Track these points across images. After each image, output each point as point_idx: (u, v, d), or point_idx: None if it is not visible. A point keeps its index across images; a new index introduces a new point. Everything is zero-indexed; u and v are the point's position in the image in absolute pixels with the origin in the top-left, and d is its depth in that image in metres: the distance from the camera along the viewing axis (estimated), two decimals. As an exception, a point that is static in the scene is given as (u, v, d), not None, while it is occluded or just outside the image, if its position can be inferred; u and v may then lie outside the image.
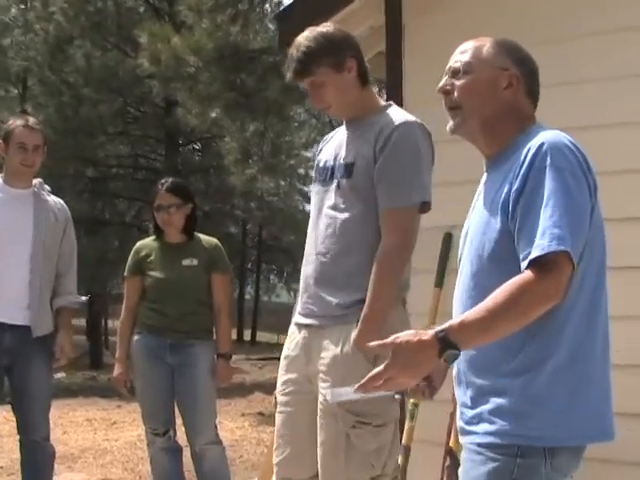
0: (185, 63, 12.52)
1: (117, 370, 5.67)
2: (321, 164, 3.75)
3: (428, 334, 2.32)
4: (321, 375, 3.53)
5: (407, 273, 3.67)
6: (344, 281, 3.54)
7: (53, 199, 5.38)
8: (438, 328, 2.33)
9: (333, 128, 3.90)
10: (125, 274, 5.80)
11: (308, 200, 4.00)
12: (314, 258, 3.64)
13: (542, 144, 2.43)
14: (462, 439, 2.59)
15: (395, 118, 3.57)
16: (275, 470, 3.80)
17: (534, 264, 2.32)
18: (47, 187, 5.41)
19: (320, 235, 3.63)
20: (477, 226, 2.57)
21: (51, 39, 20.60)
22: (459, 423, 2.60)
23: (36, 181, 5.32)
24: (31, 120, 5.32)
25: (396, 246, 3.48)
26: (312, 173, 3.87)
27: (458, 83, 2.62)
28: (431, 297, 5.26)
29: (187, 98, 13.32)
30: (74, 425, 11.43)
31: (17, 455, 5.41)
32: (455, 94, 2.63)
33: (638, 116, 4.66)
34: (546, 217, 2.34)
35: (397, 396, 2.57)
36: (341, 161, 3.62)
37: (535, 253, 2.32)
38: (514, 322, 2.34)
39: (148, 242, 5.76)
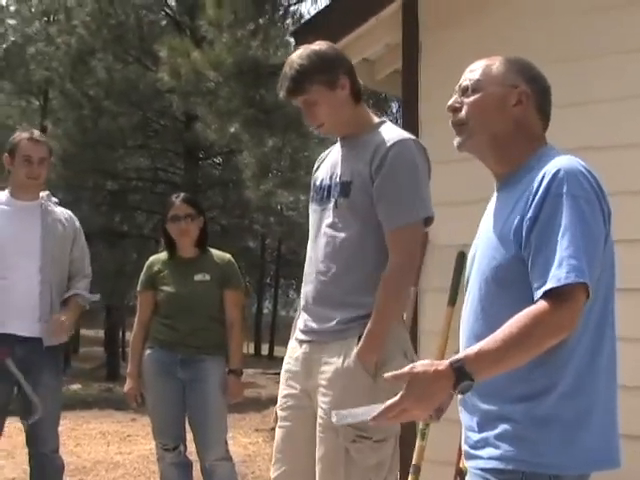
0: (205, 78, 12.56)
1: (128, 385, 5.67)
2: (317, 183, 3.75)
3: (444, 364, 2.31)
4: (321, 389, 3.52)
5: (410, 290, 3.70)
6: (344, 299, 3.55)
7: (61, 210, 5.40)
8: (453, 359, 2.32)
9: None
10: (138, 289, 5.80)
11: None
12: (314, 277, 3.65)
13: (558, 170, 2.40)
14: (467, 463, 2.57)
15: (390, 136, 3.56)
16: None
17: (549, 295, 2.31)
18: (54, 199, 5.42)
19: (319, 254, 3.64)
20: (486, 250, 2.55)
21: (73, 52, 20.68)
22: (464, 447, 2.59)
23: (43, 193, 5.34)
24: (36, 133, 5.33)
25: (403, 265, 3.51)
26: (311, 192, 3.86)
27: (467, 100, 2.62)
28: (444, 315, 5.26)
29: (207, 113, 13.35)
30: (87, 438, 11.44)
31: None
32: (463, 111, 2.62)
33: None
34: (563, 247, 2.32)
35: None
36: (337, 180, 3.62)
37: (552, 284, 2.30)
38: (528, 352, 2.32)
39: (161, 257, 5.76)
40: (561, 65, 4.87)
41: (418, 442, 5.05)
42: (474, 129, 2.61)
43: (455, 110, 2.65)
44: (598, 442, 2.43)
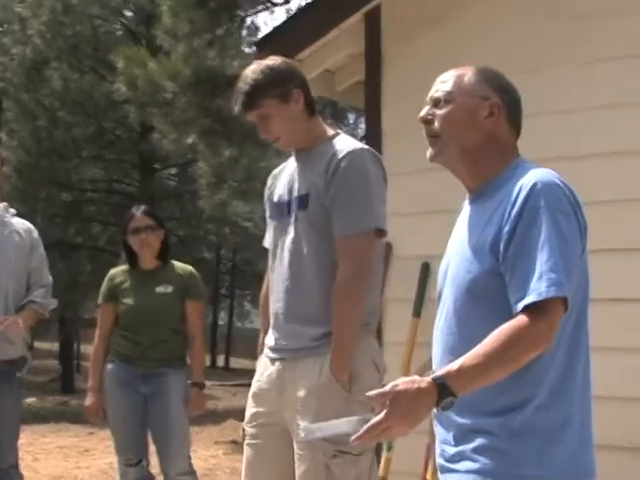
0: (161, 88, 12.46)
1: (89, 399, 5.58)
2: (275, 199, 3.72)
3: (426, 381, 2.28)
4: (297, 407, 3.49)
5: (374, 300, 3.64)
6: (314, 314, 3.53)
7: (18, 221, 5.34)
8: (435, 375, 2.29)
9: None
10: (99, 301, 5.73)
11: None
12: (282, 295, 3.63)
13: (535, 184, 2.39)
14: (442, 477, 2.55)
15: (343, 146, 3.56)
16: None
17: (529, 308, 2.30)
18: (12, 210, 5.36)
19: (285, 271, 3.61)
20: (461, 263, 2.52)
21: (27, 62, 20.56)
22: (439, 460, 2.57)
23: (0, 205, 5.26)
24: None
25: (351, 275, 3.46)
26: (266, 210, 3.85)
27: (439, 112, 2.59)
28: (408, 326, 5.25)
29: (163, 123, 13.24)
30: (45, 452, 11.31)
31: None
32: (436, 123, 2.60)
33: (615, 146, 4.69)
34: (542, 261, 2.31)
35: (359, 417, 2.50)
36: (296, 194, 3.61)
37: (532, 298, 2.29)
38: (509, 367, 2.31)
39: (122, 269, 5.70)
40: (526, 75, 4.89)
41: (384, 454, 5.04)
42: (446, 141, 2.59)
43: (427, 122, 2.63)
44: (574, 453, 2.43)
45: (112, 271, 5.77)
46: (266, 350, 3.74)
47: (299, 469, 3.48)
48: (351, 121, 14.57)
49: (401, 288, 5.34)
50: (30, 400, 19.65)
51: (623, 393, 4.60)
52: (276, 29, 6.25)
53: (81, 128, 20.59)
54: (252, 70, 3.61)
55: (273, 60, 3.68)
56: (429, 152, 2.63)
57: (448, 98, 2.59)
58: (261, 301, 3.93)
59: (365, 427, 2.31)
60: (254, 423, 3.70)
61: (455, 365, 2.30)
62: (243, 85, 3.58)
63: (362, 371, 3.47)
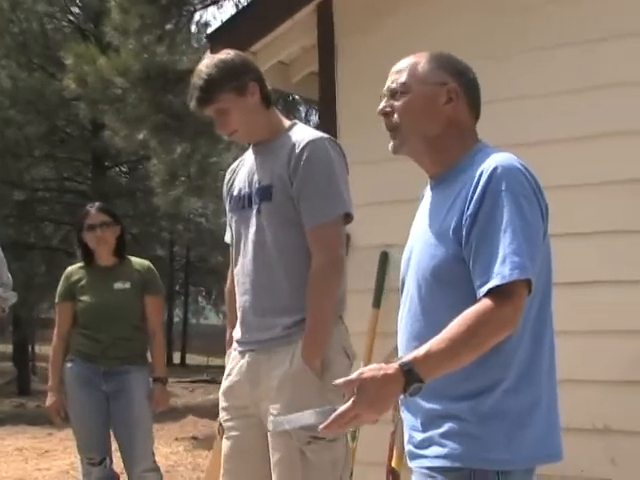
0: (112, 84, 12.39)
1: (50, 399, 5.53)
2: (235, 193, 3.73)
3: (392, 367, 2.27)
4: (271, 396, 3.50)
5: (343, 288, 3.66)
6: (283, 305, 3.55)
7: None
8: (402, 361, 2.29)
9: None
10: (56, 300, 5.68)
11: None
12: (249, 288, 3.63)
13: (496, 168, 2.39)
14: (411, 463, 2.55)
15: (303, 136, 3.58)
16: None
17: (493, 292, 2.30)
18: None
19: (249, 263, 3.62)
20: (424, 249, 2.52)
21: (-25, 60, 20.36)
22: (407, 447, 2.56)
23: None
24: None
25: (324, 263, 3.49)
26: (225, 205, 3.86)
27: (397, 104, 2.58)
28: (368, 317, 5.25)
29: (114, 120, 13.16)
30: (4, 455, 11.20)
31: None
32: (395, 115, 2.58)
33: (573, 131, 4.73)
34: (505, 244, 2.31)
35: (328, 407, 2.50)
36: (257, 185, 3.61)
37: (496, 281, 2.29)
38: (475, 351, 2.30)
39: (78, 267, 5.65)
40: (480, 62, 4.91)
41: (349, 444, 5.03)
42: (407, 133, 2.58)
43: (386, 114, 2.61)
44: (542, 436, 2.44)
45: (68, 269, 5.72)
46: (235, 344, 3.73)
47: (274, 458, 3.50)
48: (303, 114, 14.56)
49: (360, 278, 5.33)
50: (-16, 404, 19.51)
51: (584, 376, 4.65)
52: (228, 21, 6.22)
53: (33, 127, 20.40)
54: (206, 65, 3.60)
55: (226, 54, 3.68)
56: (391, 145, 2.63)
57: (404, 89, 2.58)
58: (227, 297, 3.93)
59: (332, 416, 2.30)
60: (229, 417, 3.72)
61: (421, 350, 2.29)
62: (197, 80, 3.57)
63: (333, 358, 3.49)
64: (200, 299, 46.07)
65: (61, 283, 5.65)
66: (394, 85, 2.60)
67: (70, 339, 5.55)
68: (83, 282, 5.55)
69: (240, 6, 15.01)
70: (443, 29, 5.14)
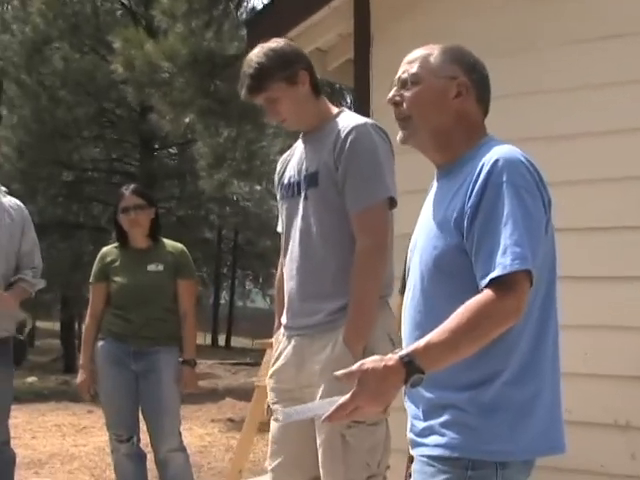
0: (159, 69, 12.47)
1: (81, 377, 5.63)
2: (286, 181, 3.78)
3: (393, 359, 2.28)
4: (314, 381, 3.54)
5: (389, 272, 3.67)
6: (328, 290, 3.57)
7: (9, 200, 5.35)
8: (402, 352, 2.30)
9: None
10: (90, 281, 5.77)
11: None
12: (295, 273, 3.67)
13: (497, 160, 2.40)
14: (413, 451, 2.57)
15: (348, 122, 3.62)
16: (271, 476, 3.81)
17: (495, 283, 2.31)
18: (4, 188, 5.37)
19: (297, 249, 3.66)
20: (427, 240, 2.55)
21: (28, 41, 20.51)
22: (410, 435, 2.59)
23: None
24: None
25: (368, 247, 3.50)
26: (277, 194, 3.90)
27: (407, 94, 2.60)
28: (395, 304, 5.27)
29: (161, 103, 13.25)
30: (43, 430, 11.39)
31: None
32: (404, 105, 2.60)
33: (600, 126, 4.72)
34: (506, 235, 2.32)
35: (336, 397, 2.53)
36: (305, 172, 3.65)
37: (497, 272, 2.30)
38: (477, 342, 2.31)
39: (113, 249, 5.73)
40: (509, 56, 4.93)
41: (389, 429, 5.05)
42: (417, 123, 2.59)
43: (396, 104, 2.63)
44: (543, 428, 2.45)
45: (103, 250, 5.81)
46: (282, 329, 3.79)
47: (319, 439, 3.54)
48: (348, 100, 14.56)
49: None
50: (32, 380, 19.75)
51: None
52: (266, 8, 6.26)
53: (82, 108, 20.54)
54: (256, 54, 3.65)
55: (277, 42, 3.72)
56: (399, 135, 2.65)
57: (415, 79, 2.59)
58: (276, 284, 3.97)
59: (333, 407, 2.32)
60: (276, 399, 3.77)
61: (422, 342, 2.30)
62: (248, 69, 3.62)
63: (376, 344, 3.47)
64: (247, 282, 46.27)
65: (96, 264, 5.74)
66: (405, 75, 2.62)
67: (103, 318, 5.64)
68: (117, 263, 5.63)
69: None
70: (477, 20, 5.15)
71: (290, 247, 3.72)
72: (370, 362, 2.30)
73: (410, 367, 2.27)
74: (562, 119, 4.83)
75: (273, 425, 3.80)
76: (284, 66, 3.63)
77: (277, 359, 3.77)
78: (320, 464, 3.56)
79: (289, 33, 5.82)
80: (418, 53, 2.65)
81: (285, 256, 3.77)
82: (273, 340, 3.91)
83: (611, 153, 4.68)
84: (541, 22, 4.96)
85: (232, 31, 12.83)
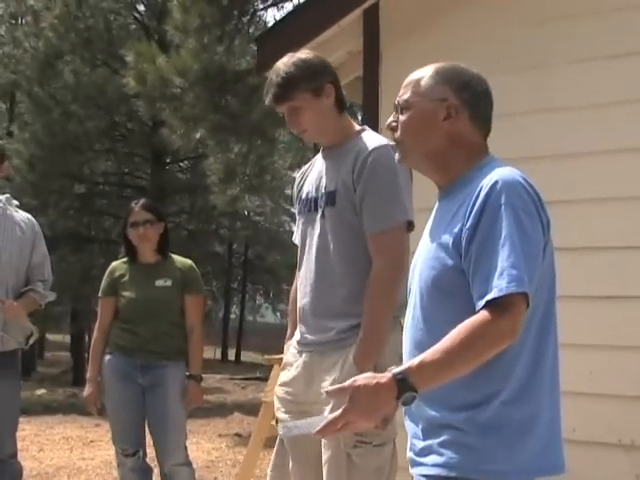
0: (170, 83, 12.52)
1: (88, 390, 5.64)
2: (304, 196, 3.80)
3: (386, 377, 2.30)
4: (322, 398, 3.50)
5: (403, 294, 3.69)
6: (341, 309, 3.59)
7: (20, 213, 5.36)
8: (396, 370, 2.31)
9: (317, 152, 3.98)
10: (99, 295, 5.79)
11: (294, 220, 4.06)
12: (309, 290, 3.70)
13: (496, 182, 2.42)
14: (412, 470, 2.58)
15: (369, 143, 3.62)
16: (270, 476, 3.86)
17: (491, 304, 2.32)
18: (15, 202, 5.39)
19: (312, 266, 3.69)
20: (426, 259, 2.56)
21: (40, 55, 20.66)
22: (409, 454, 2.60)
23: (2, 197, 5.31)
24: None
25: (384, 268, 3.51)
26: (295, 207, 3.94)
27: (401, 119, 2.64)
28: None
29: (172, 118, 13.30)
30: (50, 443, 11.39)
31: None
32: (398, 131, 2.65)
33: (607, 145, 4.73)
34: (504, 257, 2.33)
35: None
36: (323, 190, 3.67)
37: (493, 294, 2.31)
38: (470, 363, 2.32)
39: (122, 263, 5.76)
40: (514, 74, 4.95)
41: (395, 449, 5.06)
42: (408, 148, 2.64)
43: (392, 129, 2.68)
44: (542, 448, 2.45)
45: (112, 264, 5.83)
46: (294, 343, 3.81)
47: (324, 456, 3.56)
48: (358, 118, 14.57)
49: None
50: (41, 392, 19.79)
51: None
52: (275, 25, 6.30)
53: (94, 121, 20.66)
54: (284, 63, 3.66)
55: (306, 54, 3.74)
56: (396, 157, 2.71)
57: (406, 105, 2.63)
58: (291, 296, 3.99)
59: (323, 422, 2.35)
60: (284, 409, 3.78)
61: (416, 360, 2.32)
62: (275, 77, 3.64)
63: (387, 364, 3.43)
64: (257, 297, 46.29)
65: (105, 278, 5.76)
66: (398, 100, 2.66)
67: (111, 332, 5.66)
68: (126, 278, 5.65)
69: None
70: (486, 39, 5.17)
71: (305, 262, 3.74)
72: (362, 379, 2.33)
73: (403, 385, 2.29)
74: (569, 137, 4.84)
75: (278, 438, 3.83)
76: (311, 77, 3.64)
77: (287, 369, 3.79)
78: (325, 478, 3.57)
79: (299, 51, 5.85)
80: (412, 77, 2.67)
81: (300, 269, 3.79)
82: (285, 347, 3.92)
83: (617, 172, 4.70)
84: (549, 42, 4.98)
85: (243, 46, 12.89)
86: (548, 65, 4.96)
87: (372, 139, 3.66)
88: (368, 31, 5.67)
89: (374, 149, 3.57)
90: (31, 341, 5.34)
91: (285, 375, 3.80)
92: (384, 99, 5.59)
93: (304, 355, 3.70)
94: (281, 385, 3.81)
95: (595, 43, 4.83)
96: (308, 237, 3.72)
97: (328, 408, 3.46)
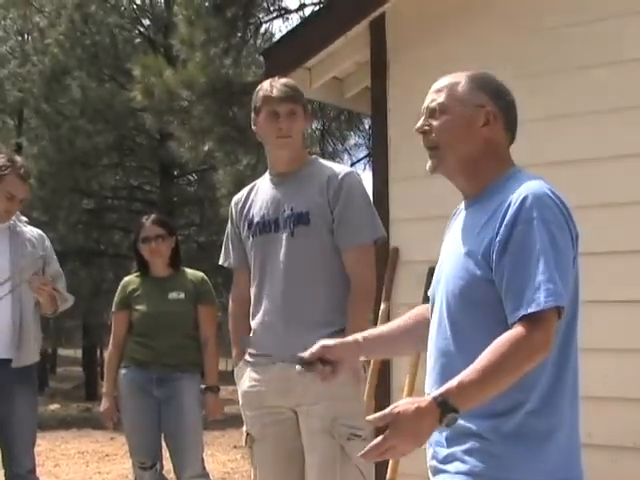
0: (178, 97, 12.53)
1: (104, 404, 5.69)
2: (257, 219, 3.98)
3: (426, 401, 2.30)
4: (310, 401, 3.72)
5: None
6: (318, 320, 3.80)
7: (30, 229, 5.36)
8: (436, 394, 2.31)
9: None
10: (112, 309, 5.83)
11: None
12: (280, 305, 3.85)
13: (527, 196, 2.41)
14: (433, 478, 2.59)
15: (338, 169, 3.96)
16: None
17: (525, 318, 2.33)
18: (24, 218, 5.40)
19: (280, 282, 3.85)
20: (453, 269, 2.56)
21: (47, 71, 20.70)
22: (432, 462, 2.60)
23: None
24: (23, 169, 5.21)
25: (369, 280, 3.90)
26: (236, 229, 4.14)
27: (435, 123, 2.61)
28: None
29: (180, 131, 13.31)
30: (66, 458, 11.42)
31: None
32: (433, 134, 2.61)
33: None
34: (539, 271, 2.34)
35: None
36: (290, 211, 3.86)
37: (532, 309, 2.32)
38: (508, 378, 2.34)
39: (134, 278, 5.79)
40: (522, 81, 4.97)
41: (392, 456, 5.08)
42: (445, 153, 2.60)
43: (424, 133, 2.64)
44: (563, 459, 2.46)
45: (125, 279, 5.87)
46: (250, 359, 3.96)
47: (314, 455, 3.75)
48: (367, 126, 14.56)
49: (409, 292, 5.40)
50: (54, 407, 19.82)
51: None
52: (283, 37, 6.34)
53: (101, 136, 20.68)
54: (281, 80, 3.96)
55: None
56: (429, 164, 2.65)
57: (443, 108, 2.61)
58: (232, 320, 4.17)
59: (368, 446, 2.35)
60: (258, 425, 3.92)
61: (455, 382, 2.32)
62: (285, 80, 3.95)
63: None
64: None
65: (118, 293, 5.80)
66: (433, 104, 2.63)
67: (125, 346, 5.69)
68: (139, 292, 5.69)
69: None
70: (494, 47, 5.20)
71: (267, 281, 3.90)
72: (402, 405, 2.31)
73: (444, 407, 2.28)
74: (582, 142, 4.88)
75: (258, 452, 3.95)
76: (305, 100, 4.00)
77: (255, 386, 3.91)
78: (316, 478, 3.75)
79: (306, 63, 5.91)
80: (445, 81, 2.66)
81: (258, 289, 3.95)
82: (235, 371, 4.06)
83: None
84: (556, 48, 5.01)
85: (250, 58, 12.91)
86: (560, 69, 4.99)
87: (334, 165, 4.06)
88: (375, 42, 5.71)
89: (347, 174, 3.91)
90: (66, 306, 5.35)
91: (253, 392, 3.92)
92: (392, 108, 5.63)
93: (276, 367, 3.82)
94: (249, 404, 3.96)
95: (612, 46, 4.86)
96: (268, 256, 3.91)
97: (317, 407, 3.71)
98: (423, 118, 2.66)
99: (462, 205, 2.72)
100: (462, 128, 2.59)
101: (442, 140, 2.60)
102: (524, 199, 2.41)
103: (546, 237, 2.37)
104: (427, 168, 2.67)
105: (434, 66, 5.06)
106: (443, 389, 2.32)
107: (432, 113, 2.63)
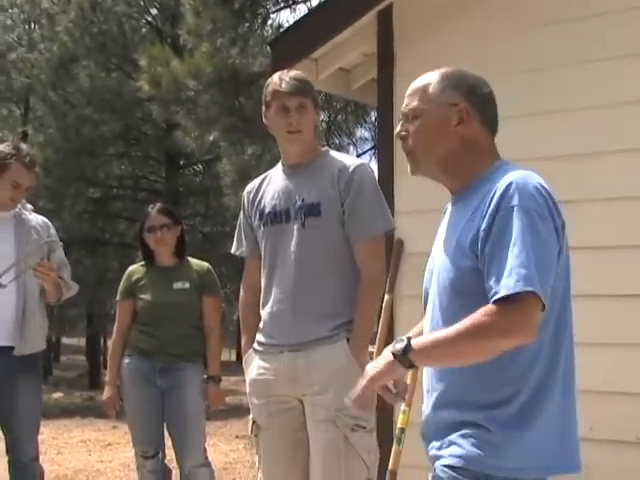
0: (184, 86, 12.54)
1: (107, 393, 5.69)
2: (268, 209, 3.98)
3: (387, 356, 2.51)
4: (316, 390, 3.77)
5: None
6: (327, 310, 3.83)
7: (35, 217, 5.35)
8: (396, 349, 2.48)
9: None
10: (117, 298, 5.83)
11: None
12: (290, 295, 3.86)
13: (510, 184, 2.45)
14: (433, 467, 2.62)
15: (349, 161, 3.97)
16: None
17: (499, 302, 2.35)
18: (29, 206, 5.39)
19: (291, 272, 3.87)
20: (444, 262, 2.59)
21: (55, 59, 20.73)
22: (431, 452, 2.64)
23: None
24: (29, 157, 5.19)
25: (379, 271, 3.93)
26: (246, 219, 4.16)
27: (411, 128, 2.66)
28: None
29: (186, 121, 13.33)
30: (69, 446, 11.44)
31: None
32: (409, 140, 2.67)
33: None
34: (513, 257, 2.36)
35: None
36: (301, 202, 3.87)
37: (502, 292, 2.35)
38: (470, 351, 2.40)
39: (139, 267, 5.80)
40: (526, 76, 4.98)
41: (394, 447, 5.09)
42: (423, 157, 2.66)
43: (402, 138, 2.69)
44: (558, 447, 2.49)
45: (130, 268, 5.87)
46: (260, 347, 3.98)
47: (319, 444, 3.79)
48: (373, 118, 14.53)
49: (412, 284, 5.39)
50: (57, 395, 19.85)
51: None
52: (291, 27, 6.33)
53: (108, 125, 20.68)
54: (290, 72, 3.98)
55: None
56: (408, 167, 2.71)
57: (416, 113, 2.65)
58: (242, 309, 4.19)
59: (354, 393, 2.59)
60: (265, 413, 3.96)
61: (418, 341, 2.48)
62: (294, 74, 3.95)
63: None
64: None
65: (122, 281, 5.80)
66: (406, 109, 2.69)
67: (129, 335, 5.70)
68: (144, 281, 5.69)
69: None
70: (501, 40, 5.20)
71: (279, 270, 3.92)
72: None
73: (402, 360, 2.47)
74: (585, 137, 4.87)
75: (263, 440, 3.99)
76: (314, 91, 4.02)
77: (263, 374, 3.93)
78: (319, 469, 3.79)
79: (313, 53, 5.90)
80: (417, 84, 2.70)
81: (268, 278, 3.96)
82: (244, 358, 4.08)
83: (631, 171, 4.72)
84: (558, 43, 5.00)
85: (256, 49, 12.91)
86: (561, 65, 4.98)
87: (346, 157, 4.06)
88: (382, 33, 5.70)
89: (358, 166, 3.92)
90: (70, 294, 5.36)
91: (260, 381, 3.95)
92: (398, 101, 5.60)
93: (285, 356, 3.85)
94: (257, 392, 3.99)
95: (608, 44, 4.85)
96: (279, 246, 3.92)
97: (324, 397, 3.75)
98: (401, 123, 2.72)
99: (450, 201, 2.75)
100: (436, 130, 2.64)
101: (418, 144, 2.66)
102: (507, 187, 2.45)
103: (525, 224, 2.39)
104: (408, 171, 2.73)
105: (442, 58, 5.06)
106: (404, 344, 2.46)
107: (407, 118, 2.69)
